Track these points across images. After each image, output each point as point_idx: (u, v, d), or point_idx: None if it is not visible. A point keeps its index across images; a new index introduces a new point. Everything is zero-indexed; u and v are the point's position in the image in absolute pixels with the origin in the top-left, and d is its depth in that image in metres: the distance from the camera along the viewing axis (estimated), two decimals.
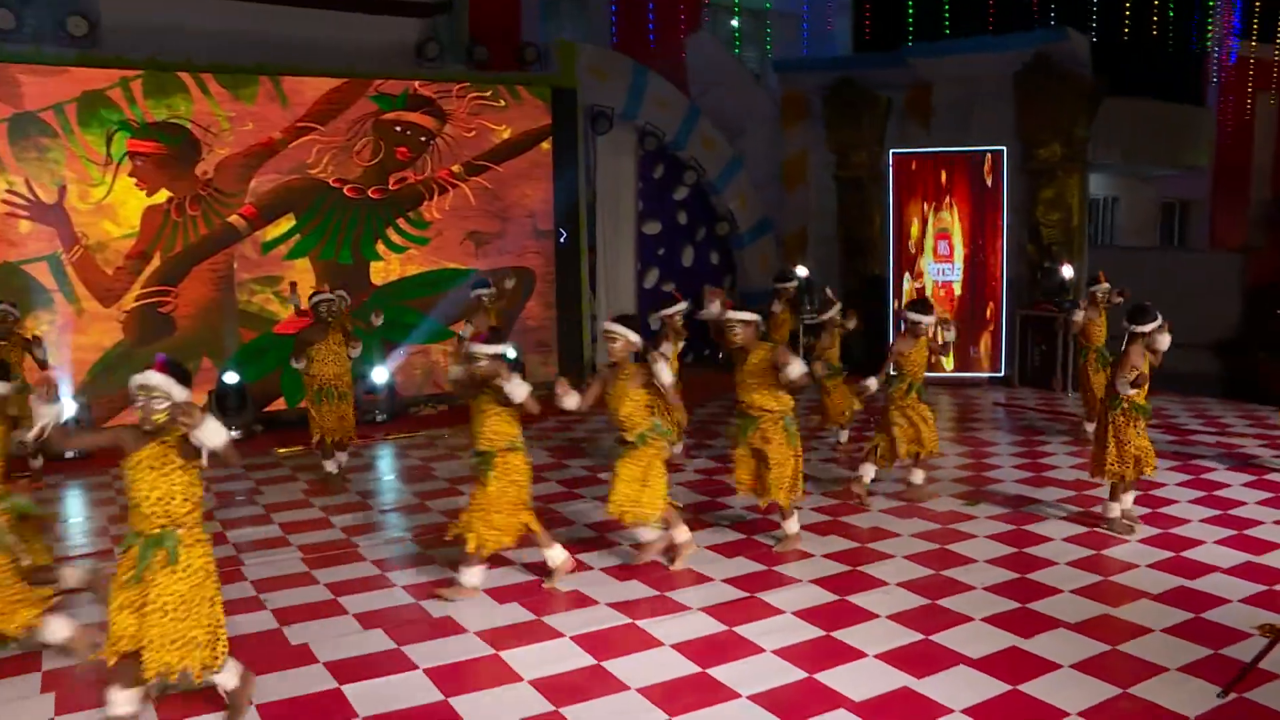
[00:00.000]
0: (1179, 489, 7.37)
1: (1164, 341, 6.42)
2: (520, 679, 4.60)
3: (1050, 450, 8.77)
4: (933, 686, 4.50)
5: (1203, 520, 6.67)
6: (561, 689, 4.51)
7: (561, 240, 12.38)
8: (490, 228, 11.98)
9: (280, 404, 10.94)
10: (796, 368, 5.80)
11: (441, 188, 11.65)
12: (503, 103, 11.90)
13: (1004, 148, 11.62)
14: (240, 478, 8.46)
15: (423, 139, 11.50)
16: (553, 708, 4.33)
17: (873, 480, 7.33)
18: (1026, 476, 7.87)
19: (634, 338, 5.87)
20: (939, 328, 7.55)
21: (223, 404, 10.18)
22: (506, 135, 11.95)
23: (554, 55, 12.22)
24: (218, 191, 10.57)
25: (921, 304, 7.53)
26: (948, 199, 11.85)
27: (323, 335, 8.05)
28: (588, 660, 4.78)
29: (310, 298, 8.26)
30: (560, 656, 4.82)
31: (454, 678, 4.64)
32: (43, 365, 8.60)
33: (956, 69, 12.29)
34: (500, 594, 5.62)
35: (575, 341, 12.71)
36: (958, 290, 11.78)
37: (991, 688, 4.47)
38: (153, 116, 10.20)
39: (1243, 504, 7.02)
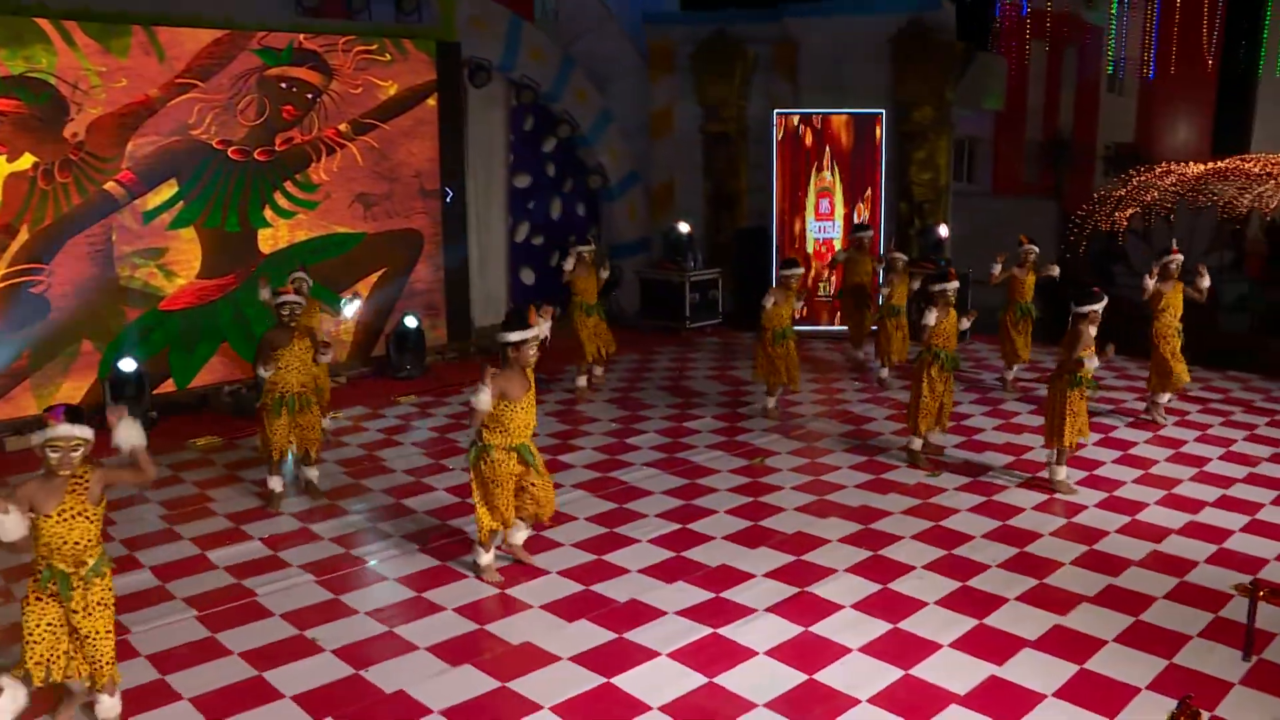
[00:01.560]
0: (1098, 449, 8.35)
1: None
2: (650, 708, 4.79)
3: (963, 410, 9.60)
4: (1014, 672, 5.07)
5: (1135, 482, 7.64)
6: (692, 711, 4.75)
7: (448, 200, 12.05)
8: (378, 189, 11.48)
9: (170, 385, 10.19)
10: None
11: (329, 148, 11.02)
12: (389, 57, 11.31)
13: (883, 111, 12.28)
14: (172, 482, 7.91)
15: (309, 96, 10.79)
16: None
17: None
18: (961, 441, 8.66)
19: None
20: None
21: (119, 393, 9.37)
22: (393, 92, 11.41)
23: (434, 4, 11.68)
24: (91, 155, 9.54)
25: (942, 275, 8.06)
26: (829, 159, 12.43)
27: (288, 340, 7.27)
28: (699, 679, 5.02)
29: (273, 297, 7.59)
30: (672, 678, 5.02)
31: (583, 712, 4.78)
32: None
33: (830, 29, 12.77)
34: (567, 615, 5.73)
35: (463, 303, 12.48)
36: (837, 246, 12.46)
37: (1062, 669, 5.09)
38: (8, 69, 9.02)
39: (1155, 461, 8.11)
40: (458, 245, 12.23)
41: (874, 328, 10.80)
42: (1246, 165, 20.04)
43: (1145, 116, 28.98)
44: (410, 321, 11.17)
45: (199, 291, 10.37)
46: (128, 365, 9.46)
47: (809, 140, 12.52)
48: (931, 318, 7.77)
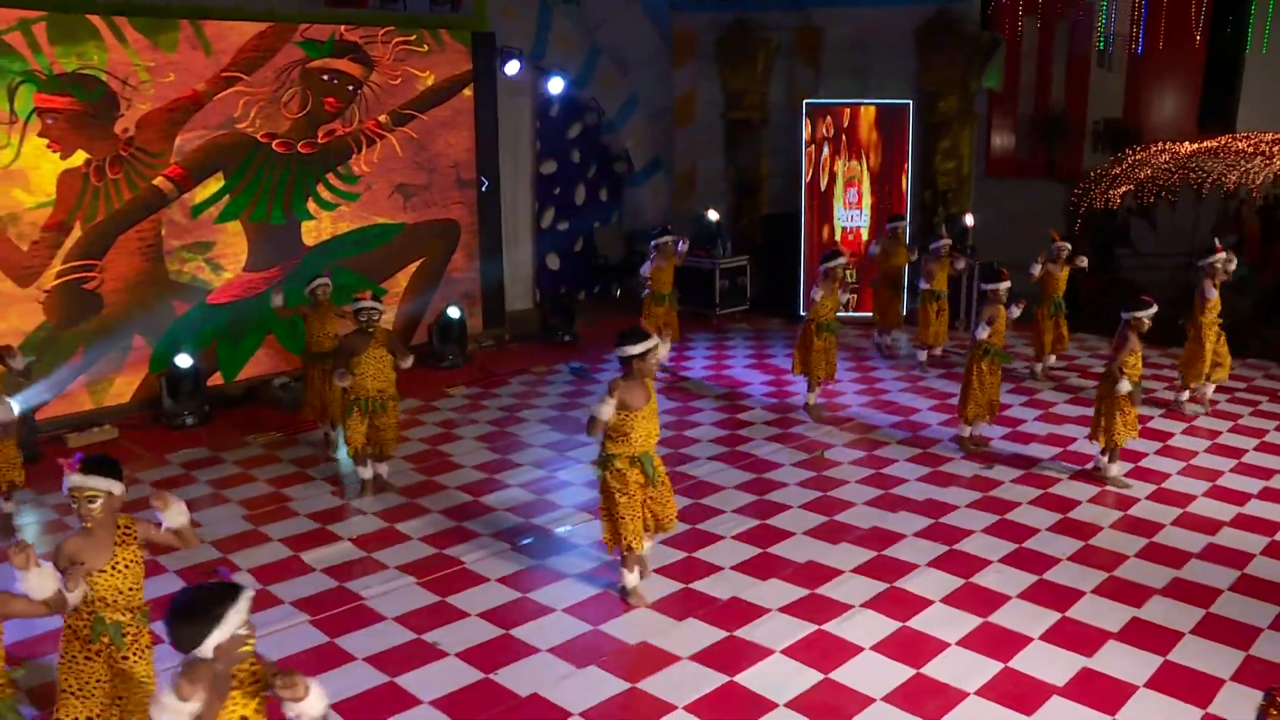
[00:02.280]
0: (1139, 441, 8.57)
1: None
2: (776, 704, 5.07)
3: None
4: (1105, 664, 5.38)
5: (1180, 474, 7.95)
6: (815, 708, 5.03)
7: (483, 189, 12.16)
8: (417, 179, 11.58)
9: (218, 379, 10.29)
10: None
11: (370, 139, 11.09)
12: (426, 48, 11.37)
13: (910, 102, 12.49)
14: (244, 480, 8.07)
15: (350, 88, 10.84)
16: None
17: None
18: (1006, 432, 8.97)
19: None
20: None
21: (176, 390, 9.49)
22: (430, 82, 11.48)
23: None
24: (140, 151, 9.58)
25: (995, 275, 8.44)
26: (859, 149, 12.64)
27: (365, 345, 7.35)
28: (815, 675, 5.30)
29: (351, 304, 7.69)
30: (789, 675, 5.29)
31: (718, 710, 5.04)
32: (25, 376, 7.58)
33: (855, 18, 12.93)
34: (676, 614, 5.99)
35: (498, 291, 12.64)
36: (864, 236, 12.71)
37: (1148, 660, 5.40)
38: (62, 67, 9.03)
39: (1195, 453, 8.44)
40: (493, 234, 12.36)
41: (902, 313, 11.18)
42: (1237, 144, 20.48)
43: (1133, 92, 29.32)
44: (453, 312, 11.32)
45: (245, 284, 10.46)
46: (184, 361, 9.56)
47: (837, 130, 12.69)
48: (985, 332, 8.10)
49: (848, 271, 12.62)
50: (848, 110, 12.60)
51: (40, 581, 3.99)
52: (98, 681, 4.29)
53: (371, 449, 7.65)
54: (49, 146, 9.07)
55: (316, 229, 10.87)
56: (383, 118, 11.11)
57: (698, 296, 12.92)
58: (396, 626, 5.81)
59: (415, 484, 7.94)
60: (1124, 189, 20.74)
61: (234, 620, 3.00)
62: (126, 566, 4.31)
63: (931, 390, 10.16)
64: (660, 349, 5.82)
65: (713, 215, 12.94)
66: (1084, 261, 10.52)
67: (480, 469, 8.25)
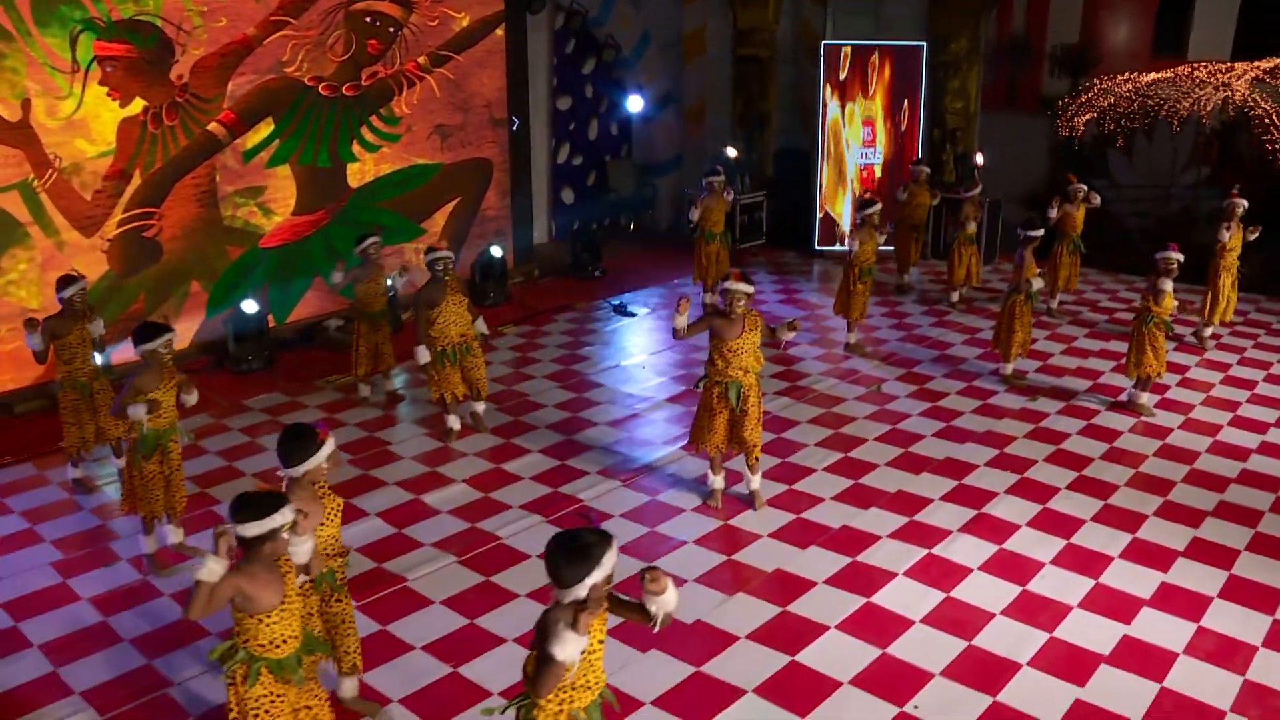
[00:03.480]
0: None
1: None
2: (913, 621, 5.72)
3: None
4: (1182, 578, 6.07)
5: (1203, 405, 8.73)
6: (946, 623, 5.70)
7: (514, 128, 12.35)
8: (453, 120, 11.74)
9: (269, 321, 10.49)
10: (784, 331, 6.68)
11: (410, 81, 11.21)
12: None
13: (924, 44, 12.91)
14: (336, 426, 8.37)
15: (391, 30, 10.92)
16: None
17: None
18: (1039, 366, 9.67)
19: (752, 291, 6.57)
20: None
21: (243, 337, 9.70)
22: (465, 23, 11.57)
23: None
24: (195, 97, 9.63)
25: (1030, 223, 9.15)
26: (872, 88, 13.06)
27: (443, 295, 7.66)
28: (938, 594, 5.96)
29: (425, 254, 7.97)
30: (917, 595, 5.93)
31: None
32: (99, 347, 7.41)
33: None
34: (798, 542, 6.59)
35: (527, 227, 12.92)
36: (878, 173, 13.22)
37: (1216, 575, 6.09)
38: (119, 14, 9.00)
39: (1212, 385, 9.22)
40: (523, 170, 12.60)
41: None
42: (1198, 73, 21.31)
43: (1090, 16, 30.00)
44: (495, 251, 11.61)
45: (294, 228, 10.62)
46: (249, 306, 9.76)
47: (854, 70, 13.08)
48: (1030, 283, 8.81)
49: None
50: (863, 51, 12.98)
51: (303, 547, 4.20)
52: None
53: (470, 391, 8.03)
54: (109, 95, 9.09)
55: (360, 171, 11.02)
56: (421, 59, 11.22)
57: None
58: (542, 563, 6.29)
59: (504, 425, 8.36)
60: (1087, 117, 21.51)
61: (608, 564, 3.46)
62: (333, 517, 4.66)
63: (959, 325, 10.83)
64: (783, 332, 6.58)
65: (731, 152, 13.30)
66: (1097, 200, 11.17)
67: (562, 407, 8.70)
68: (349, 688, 4.99)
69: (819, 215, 13.50)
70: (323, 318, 10.75)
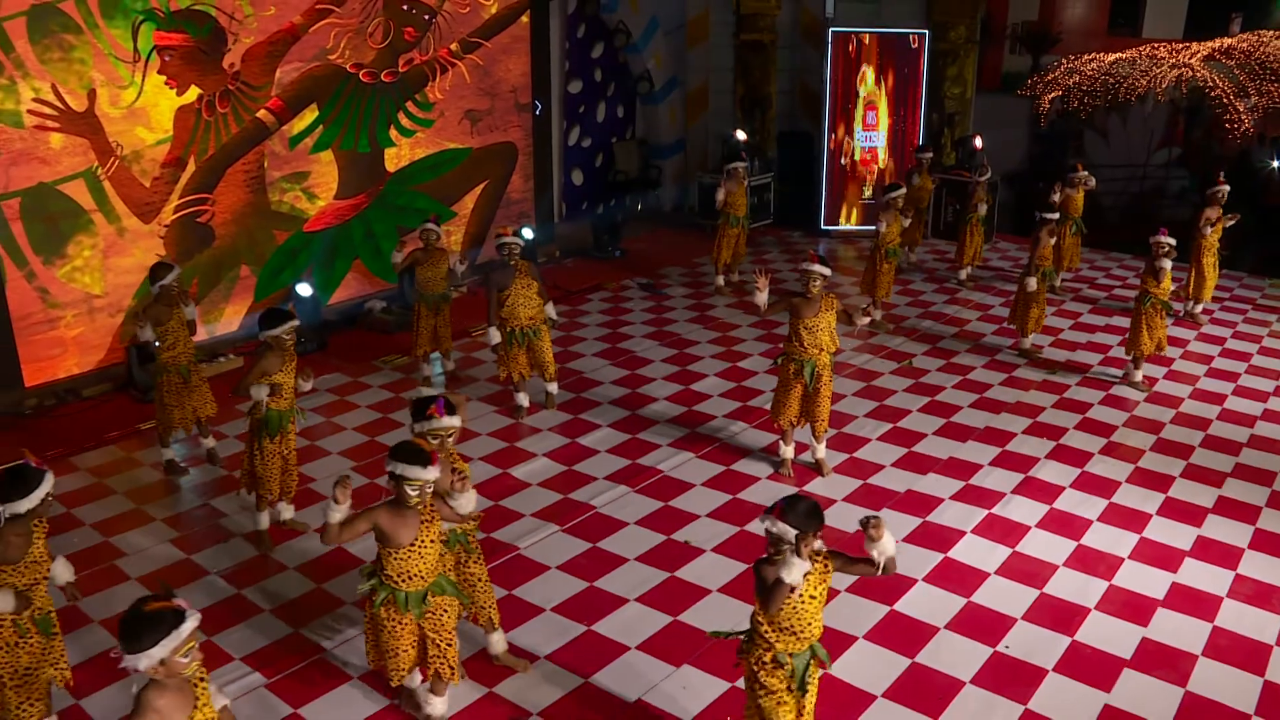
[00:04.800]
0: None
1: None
2: (989, 573, 6.34)
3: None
4: (1215, 532, 6.75)
5: (1206, 376, 9.46)
6: (1017, 573, 6.33)
7: (538, 112, 12.72)
8: (482, 105, 12.09)
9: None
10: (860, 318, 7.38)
11: (442, 67, 11.52)
12: None
13: (926, 31, 13.50)
14: (401, 405, 8.69)
15: (426, 17, 11.22)
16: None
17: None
18: (1051, 341, 10.35)
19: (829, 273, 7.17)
20: None
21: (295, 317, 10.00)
22: (494, 10, 11.89)
23: None
24: (245, 85, 9.89)
25: (1049, 206, 9.84)
26: (877, 75, 13.64)
27: (511, 279, 8.03)
28: (1005, 549, 6.58)
29: (495, 240, 8.35)
30: (987, 550, 6.55)
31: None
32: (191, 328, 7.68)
33: None
34: (872, 505, 7.19)
35: (548, 209, 13.32)
36: (881, 155, 13.83)
37: (1243, 529, 6.80)
38: (177, 3, 9.23)
39: (1212, 357, 9.99)
40: (545, 154, 12.99)
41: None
42: (1158, 52, 22.25)
43: None
44: (526, 233, 11.97)
45: (336, 212, 10.93)
46: (304, 289, 10.08)
47: (858, 57, 13.63)
48: (1039, 273, 9.47)
49: (865, 187, 13.87)
50: (867, 36, 13.54)
51: (470, 499, 4.83)
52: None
53: (537, 372, 8.47)
54: (166, 83, 9.32)
55: (397, 156, 11.33)
56: (453, 46, 11.53)
57: None
58: (640, 529, 6.81)
59: (568, 401, 8.82)
60: (1051, 96, 22.36)
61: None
62: (460, 481, 4.95)
63: (972, 302, 11.50)
64: (859, 318, 7.18)
65: (740, 135, 13.79)
66: (1093, 182, 11.88)
67: (619, 384, 9.19)
68: (497, 643, 5.46)
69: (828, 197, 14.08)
70: (364, 299, 11.08)
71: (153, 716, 3.26)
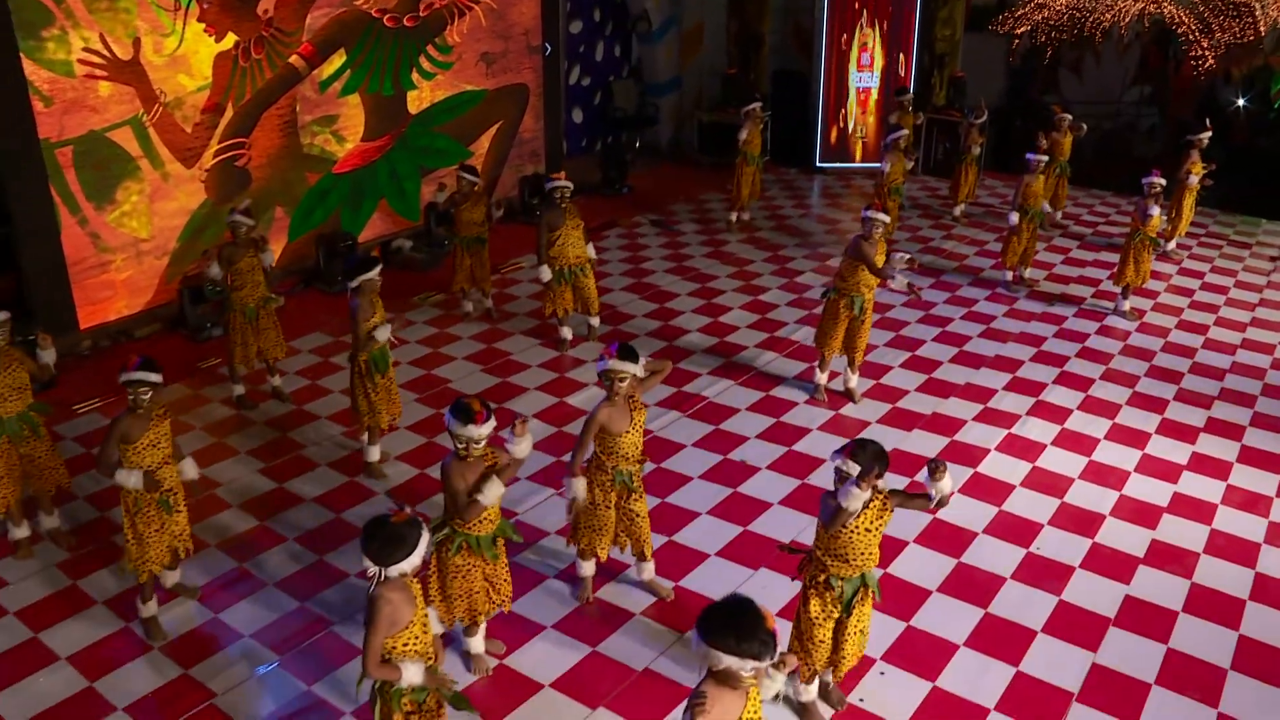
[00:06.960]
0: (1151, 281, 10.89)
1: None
2: (1014, 485, 7.09)
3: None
4: (1207, 448, 7.54)
5: (1190, 308, 10.24)
6: (1041, 485, 7.09)
7: (547, 54, 13.04)
8: (496, 48, 12.39)
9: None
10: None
11: (460, 11, 11.79)
12: None
13: None
14: (450, 341, 9.26)
15: None
16: None
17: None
18: (1045, 275, 11.07)
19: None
20: None
21: (331, 257, 10.41)
22: None
23: None
24: (279, 31, 10.14)
25: (1036, 149, 10.33)
26: (871, 17, 14.11)
27: (562, 221, 8.56)
28: (1026, 465, 7.34)
29: (546, 183, 8.85)
30: (1009, 464, 7.29)
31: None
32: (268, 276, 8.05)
33: None
34: (904, 425, 7.89)
35: (557, 148, 13.70)
36: (874, 95, 14.35)
37: (1232, 447, 7.61)
38: None
39: (1193, 290, 10.78)
40: (555, 94, 13.33)
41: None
42: None
43: None
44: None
45: (363, 153, 11.25)
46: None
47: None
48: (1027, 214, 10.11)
49: (859, 125, 14.41)
50: None
51: (523, 443, 4.92)
52: (608, 520, 5.60)
53: (581, 308, 9.02)
54: (205, 30, 9.55)
55: (418, 98, 11.64)
56: None
57: (725, 149, 14.34)
58: (697, 450, 7.44)
59: (605, 334, 9.39)
60: (1022, 30, 22.88)
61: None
62: (638, 428, 5.43)
63: (967, 238, 12.19)
64: (898, 278, 7.59)
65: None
66: (1083, 129, 12.53)
67: (651, 318, 9.77)
68: (648, 570, 5.95)
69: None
70: (390, 237, 11.48)
71: (389, 610, 3.83)
